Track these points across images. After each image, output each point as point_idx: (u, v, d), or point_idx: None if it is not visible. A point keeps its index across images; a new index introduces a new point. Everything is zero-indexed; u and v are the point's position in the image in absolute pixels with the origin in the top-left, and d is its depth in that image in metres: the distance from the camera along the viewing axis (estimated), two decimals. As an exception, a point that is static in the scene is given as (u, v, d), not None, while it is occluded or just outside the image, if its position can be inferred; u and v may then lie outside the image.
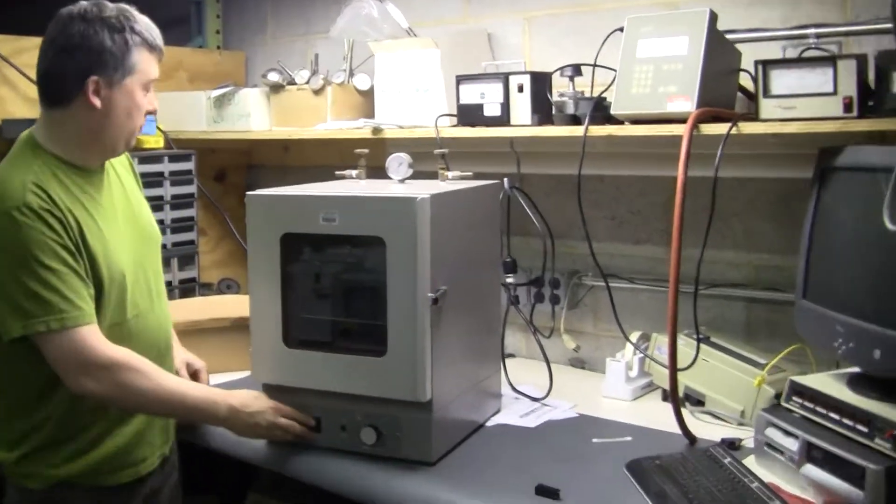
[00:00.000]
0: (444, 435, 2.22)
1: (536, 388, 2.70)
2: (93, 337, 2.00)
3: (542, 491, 2.00)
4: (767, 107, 2.22)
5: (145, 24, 2.09)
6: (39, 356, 1.99)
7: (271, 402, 2.23)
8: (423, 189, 2.17)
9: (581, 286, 3.00)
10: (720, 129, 2.24)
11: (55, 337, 1.97)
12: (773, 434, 2.12)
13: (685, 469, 2.10)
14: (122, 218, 2.19)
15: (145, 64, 2.08)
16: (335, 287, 2.29)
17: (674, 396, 2.26)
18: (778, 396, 2.36)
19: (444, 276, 2.14)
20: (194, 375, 2.48)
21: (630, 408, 2.64)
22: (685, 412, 2.51)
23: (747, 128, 2.23)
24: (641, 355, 2.72)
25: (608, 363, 2.71)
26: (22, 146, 2.09)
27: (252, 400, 2.21)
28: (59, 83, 2.04)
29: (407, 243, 2.06)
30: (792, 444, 2.04)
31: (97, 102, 2.03)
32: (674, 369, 2.23)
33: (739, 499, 1.94)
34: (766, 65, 2.22)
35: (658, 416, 2.52)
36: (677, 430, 2.34)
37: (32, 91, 3.07)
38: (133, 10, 2.09)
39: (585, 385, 2.82)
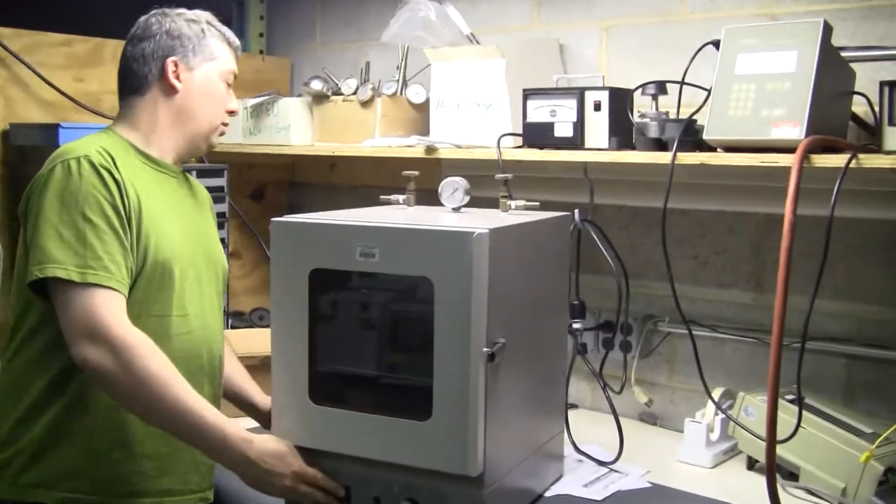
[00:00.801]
0: (496, 513, 1.88)
1: (603, 449, 2.37)
2: (113, 304, 1.83)
3: None
4: (893, 136, 1.87)
5: (221, 24, 2.14)
6: (59, 340, 1.85)
7: (296, 465, 1.89)
8: (480, 222, 1.84)
9: (656, 332, 2.65)
10: (836, 161, 1.89)
11: (72, 290, 1.81)
12: (895, 531, 1.78)
13: (785, 568, 1.74)
14: (188, 225, 2.06)
15: (223, 54, 2.09)
16: (373, 336, 1.97)
17: (770, 476, 1.90)
18: (888, 473, 2.04)
19: (503, 325, 1.81)
20: None
21: (710, 477, 2.29)
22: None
23: (869, 161, 1.88)
24: (724, 416, 2.37)
25: (687, 424, 2.36)
26: (96, 133, 2.07)
27: (274, 459, 1.88)
28: (138, 68, 2.03)
29: (459, 287, 1.73)
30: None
31: (177, 84, 2.02)
32: (772, 442, 1.87)
33: None
34: (893, 87, 1.87)
35: (744, 488, 2.20)
36: None
37: (47, 92, 2.84)
38: (211, 16, 2.13)
39: (658, 446, 2.47)
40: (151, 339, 1.85)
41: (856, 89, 2.14)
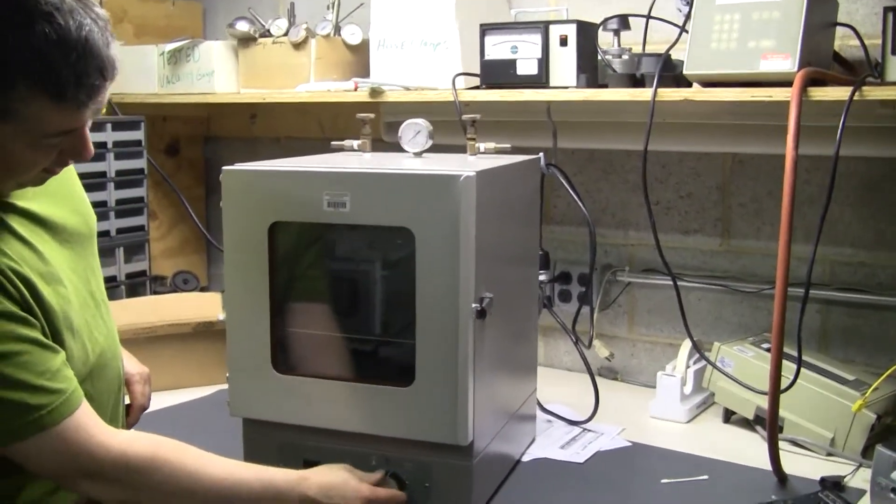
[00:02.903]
0: (484, 483, 1.73)
1: (568, 408, 2.23)
2: (87, 428, 1.41)
3: (627, 566, 1.52)
4: (896, 66, 1.76)
5: (70, 44, 1.23)
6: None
7: (364, 490, 1.61)
8: (458, 165, 1.66)
9: (615, 283, 2.52)
10: (836, 94, 1.77)
11: (31, 442, 1.37)
12: (904, 480, 1.69)
13: (798, 526, 1.64)
14: (61, 213, 1.54)
15: (36, 112, 1.26)
16: (344, 294, 1.77)
17: (772, 429, 1.80)
18: (879, 420, 1.97)
19: (488, 278, 1.64)
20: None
21: (688, 433, 2.18)
22: (758, 438, 2.08)
23: (873, 93, 1.76)
24: (696, 368, 2.26)
25: (660, 378, 2.24)
26: None
27: (336, 491, 1.58)
28: None
29: (445, 237, 1.55)
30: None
31: None
32: (775, 394, 1.77)
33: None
34: (897, 12, 1.76)
35: (726, 443, 2.09)
36: (756, 462, 1.93)
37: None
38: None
39: (626, 402, 2.35)
40: (134, 434, 1.53)
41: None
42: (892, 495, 1.70)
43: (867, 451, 1.94)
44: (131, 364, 1.84)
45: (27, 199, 1.47)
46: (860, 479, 1.86)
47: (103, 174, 2.65)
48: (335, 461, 1.70)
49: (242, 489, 1.52)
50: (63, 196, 1.57)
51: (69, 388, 1.40)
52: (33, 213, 1.47)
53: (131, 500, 1.49)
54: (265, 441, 1.75)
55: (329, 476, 1.59)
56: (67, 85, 1.24)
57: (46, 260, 1.45)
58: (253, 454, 1.76)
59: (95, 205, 1.68)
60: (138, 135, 2.72)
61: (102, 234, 1.65)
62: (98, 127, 2.62)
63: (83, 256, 1.59)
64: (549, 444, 2.06)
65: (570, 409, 2.22)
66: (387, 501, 1.63)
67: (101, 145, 2.63)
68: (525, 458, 1.98)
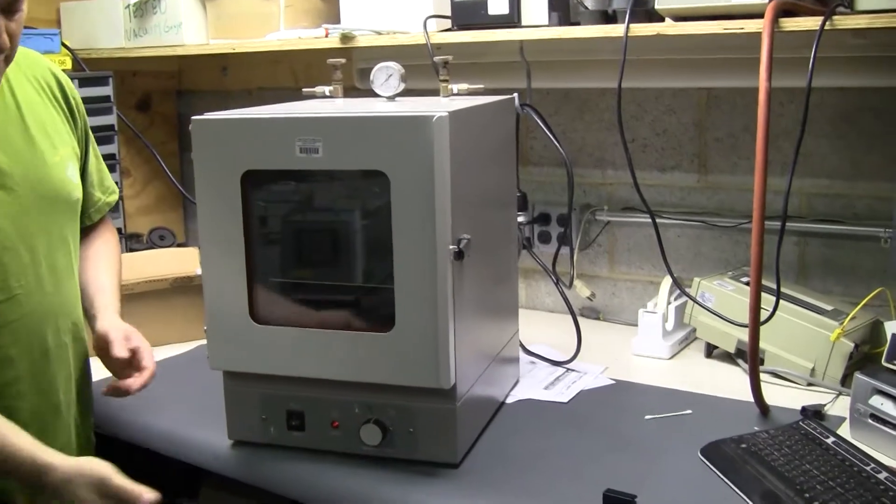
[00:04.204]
0: (468, 426, 1.73)
1: (551, 348, 2.24)
2: None
3: (613, 500, 1.52)
4: (867, -6, 1.75)
5: None
6: None
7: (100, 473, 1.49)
8: (432, 106, 1.64)
9: (594, 223, 2.51)
10: (808, 24, 1.76)
11: None
12: (882, 404, 1.72)
13: (780, 454, 1.65)
14: (13, 165, 1.59)
15: None
16: (320, 241, 1.75)
17: (753, 361, 1.80)
18: (857, 349, 1.99)
19: (466, 220, 1.63)
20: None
21: (671, 369, 2.19)
22: (739, 371, 2.09)
23: (844, 22, 1.75)
24: (677, 304, 2.26)
25: (641, 315, 2.24)
26: None
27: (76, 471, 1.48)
28: None
29: (421, 178, 1.54)
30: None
31: None
32: (755, 326, 1.77)
33: (871, 493, 1.50)
34: (868, -63, 1.74)
35: (708, 377, 2.11)
36: (738, 395, 1.94)
37: None
38: None
39: (607, 340, 2.37)
40: None
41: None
42: (870, 421, 1.73)
43: (846, 380, 1.96)
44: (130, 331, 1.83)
45: None
46: (840, 406, 1.88)
47: (73, 131, 2.61)
48: (318, 410, 1.71)
49: None
50: (30, 161, 1.61)
51: None
52: None
53: None
54: (247, 393, 1.75)
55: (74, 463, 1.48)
56: None
57: None
58: (235, 407, 1.76)
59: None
60: (107, 90, 2.67)
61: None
62: (66, 84, 2.58)
63: (34, 217, 1.61)
64: (533, 385, 2.06)
65: (553, 350, 2.23)
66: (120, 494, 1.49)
67: (69, 102, 2.59)
68: (509, 400, 1.98)
